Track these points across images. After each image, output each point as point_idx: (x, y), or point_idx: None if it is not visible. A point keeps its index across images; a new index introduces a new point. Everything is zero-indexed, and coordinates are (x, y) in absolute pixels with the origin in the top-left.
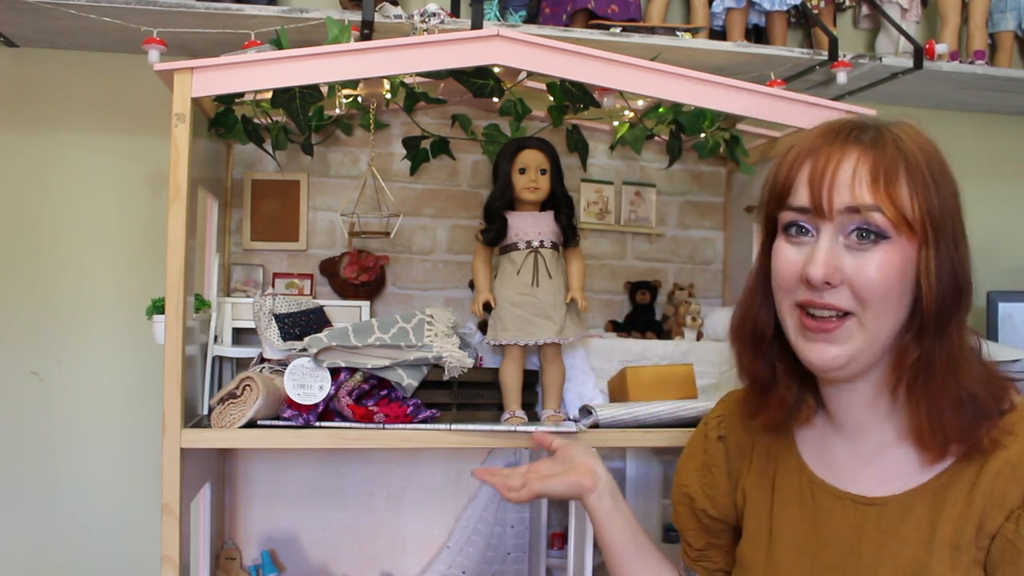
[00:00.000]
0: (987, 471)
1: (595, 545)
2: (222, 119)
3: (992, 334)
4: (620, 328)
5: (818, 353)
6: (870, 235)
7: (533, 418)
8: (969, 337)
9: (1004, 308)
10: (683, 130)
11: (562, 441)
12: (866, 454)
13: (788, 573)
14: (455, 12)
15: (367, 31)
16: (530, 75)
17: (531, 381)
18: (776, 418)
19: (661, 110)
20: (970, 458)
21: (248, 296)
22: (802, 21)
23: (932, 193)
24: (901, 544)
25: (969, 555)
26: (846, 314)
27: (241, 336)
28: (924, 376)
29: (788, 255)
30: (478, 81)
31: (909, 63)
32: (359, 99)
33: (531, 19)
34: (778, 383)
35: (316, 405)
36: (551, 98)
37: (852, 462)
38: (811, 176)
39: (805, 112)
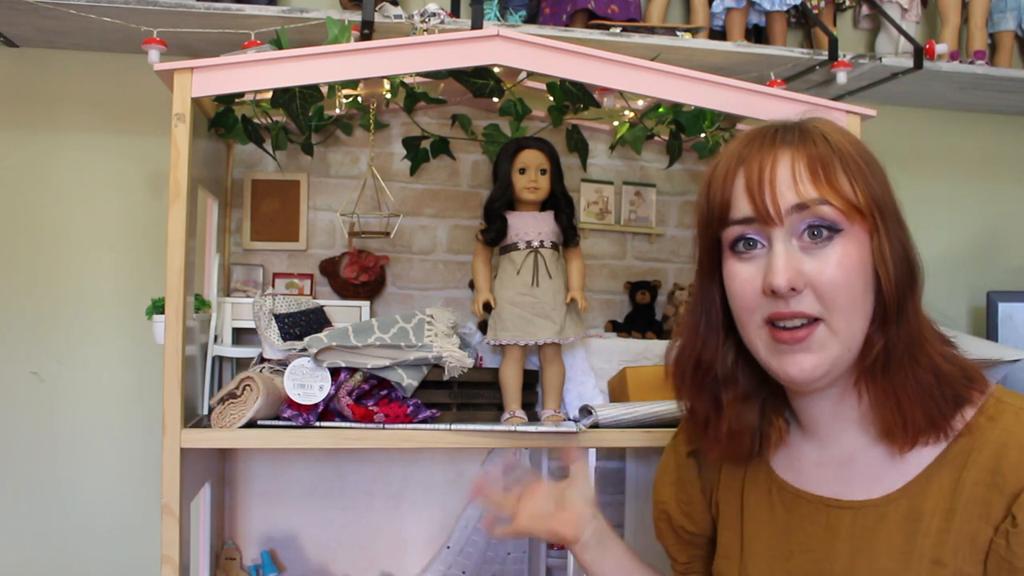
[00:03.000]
0: (966, 479)
1: None
2: (222, 119)
3: (992, 334)
4: (620, 328)
5: (796, 365)
6: (823, 231)
7: (533, 418)
8: (926, 318)
9: (1004, 308)
10: (683, 130)
11: (576, 471)
12: (837, 458)
13: None
14: (455, 12)
15: (367, 31)
16: (530, 75)
17: (531, 381)
18: (734, 450)
19: (661, 110)
20: (943, 461)
21: (248, 296)
22: (802, 21)
23: (871, 179)
24: (874, 553)
25: (954, 569)
26: (815, 320)
27: (241, 336)
28: (885, 364)
29: (743, 273)
30: (478, 81)
31: (909, 63)
32: (359, 99)
33: (531, 19)
34: (723, 416)
35: (316, 405)
36: (551, 98)
37: (822, 465)
38: (748, 184)
39: (805, 112)
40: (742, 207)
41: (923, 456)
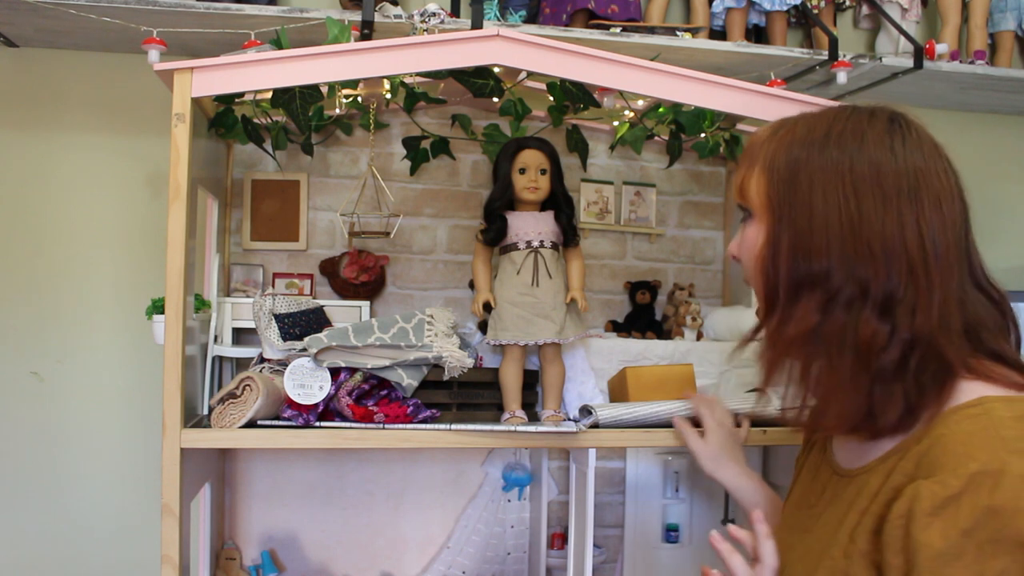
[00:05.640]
0: (898, 468)
1: (596, 545)
2: (222, 119)
3: None
4: (620, 328)
5: None
6: (745, 213)
7: (533, 418)
8: (847, 319)
9: None
10: (683, 130)
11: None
12: None
13: (782, 529)
14: (455, 12)
15: (367, 31)
16: (530, 75)
17: (531, 381)
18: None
19: (661, 110)
20: (899, 447)
21: (248, 296)
22: (802, 21)
23: (778, 180)
24: (826, 520)
25: (862, 550)
26: None
27: (241, 336)
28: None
29: None
30: (478, 81)
31: (909, 63)
32: (359, 99)
33: (531, 19)
34: None
35: (316, 405)
36: (551, 98)
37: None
38: None
39: (805, 112)
40: None
41: (895, 438)
